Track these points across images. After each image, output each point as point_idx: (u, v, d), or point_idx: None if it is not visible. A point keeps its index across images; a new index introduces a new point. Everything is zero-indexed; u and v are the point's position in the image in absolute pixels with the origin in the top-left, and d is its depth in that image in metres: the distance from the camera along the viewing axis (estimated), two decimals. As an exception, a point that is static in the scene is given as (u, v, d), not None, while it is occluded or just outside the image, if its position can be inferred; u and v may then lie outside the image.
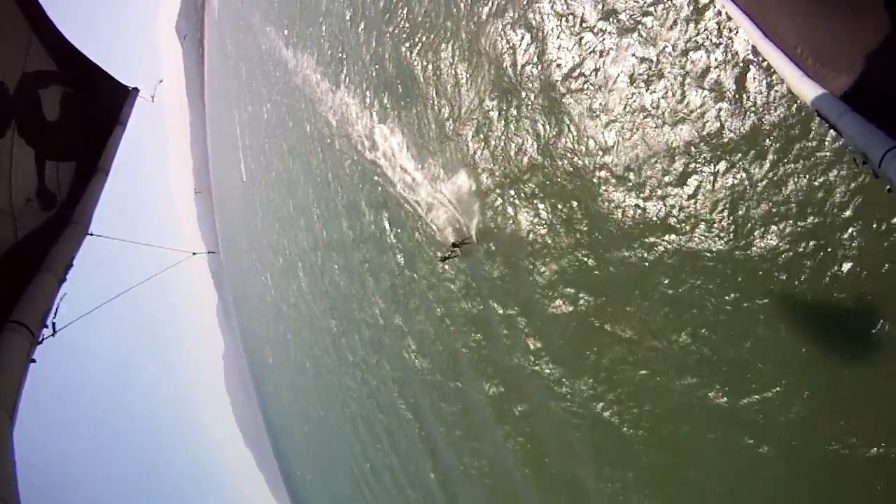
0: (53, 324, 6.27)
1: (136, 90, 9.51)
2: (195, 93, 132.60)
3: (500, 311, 23.65)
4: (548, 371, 21.28)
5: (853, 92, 5.58)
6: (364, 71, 35.01)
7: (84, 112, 8.39)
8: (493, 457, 27.55)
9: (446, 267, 27.64)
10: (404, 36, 29.04)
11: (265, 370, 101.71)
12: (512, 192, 21.74)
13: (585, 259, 18.92)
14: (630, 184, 16.90)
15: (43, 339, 6.20)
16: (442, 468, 33.66)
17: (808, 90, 5.96)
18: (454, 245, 25.52)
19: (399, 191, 31.90)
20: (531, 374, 22.07)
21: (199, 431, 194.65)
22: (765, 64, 13.09)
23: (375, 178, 35.03)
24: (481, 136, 23.30)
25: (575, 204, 18.98)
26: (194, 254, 14.10)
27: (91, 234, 7.04)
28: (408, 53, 28.60)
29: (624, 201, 17.13)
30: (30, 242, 6.46)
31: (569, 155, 18.96)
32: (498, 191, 22.67)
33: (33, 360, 5.93)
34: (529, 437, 23.83)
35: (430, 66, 26.96)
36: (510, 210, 21.93)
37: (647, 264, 16.72)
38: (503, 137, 21.91)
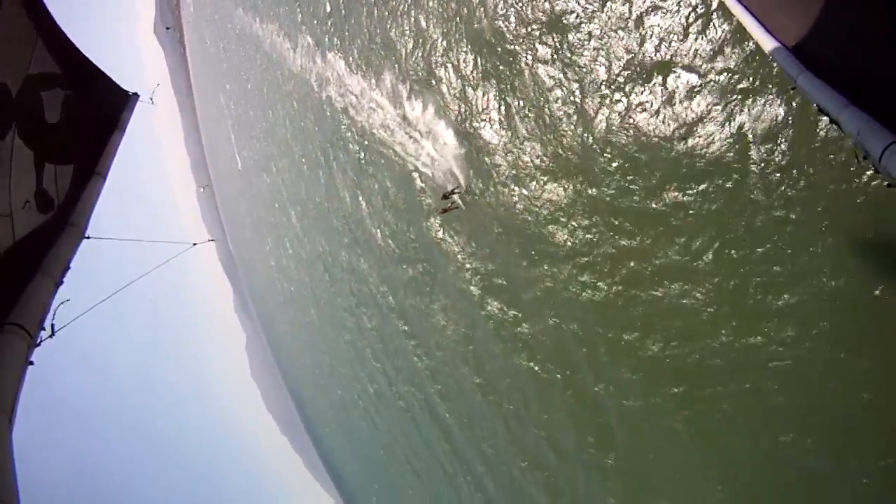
0: (52, 325, 6.28)
1: (136, 95, 9.52)
2: (183, 92, 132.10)
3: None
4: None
5: (854, 88, 5.51)
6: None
7: (84, 115, 8.41)
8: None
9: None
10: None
11: (288, 355, 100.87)
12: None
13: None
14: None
15: (41, 341, 6.21)
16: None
17: (811, 86, 5.93)
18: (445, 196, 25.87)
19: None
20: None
21: (232, 425, 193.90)
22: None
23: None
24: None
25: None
26: (195, 244, 14.13)
27: (88, 237, 7.05)
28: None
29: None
30: (27, 245, 6.46)
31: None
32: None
33: (31, 363, 5.95)
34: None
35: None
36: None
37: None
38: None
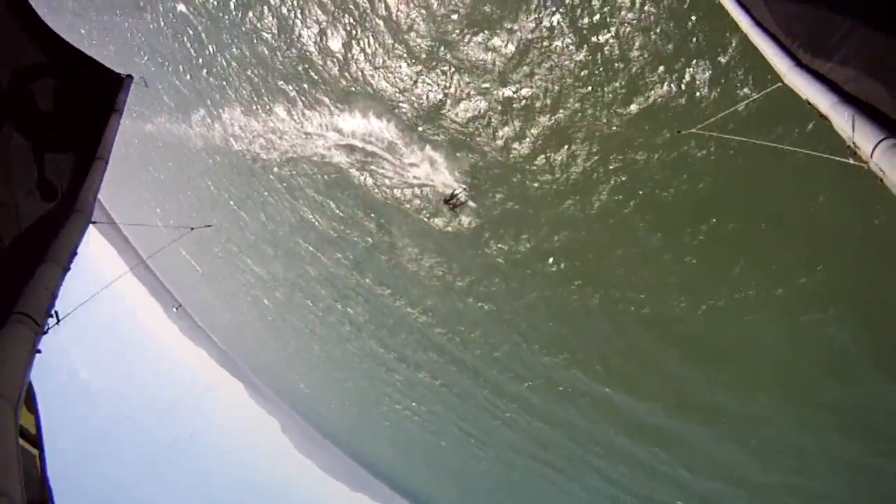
0: (56, 313, 6.24)
1: (129, 77, 9.41)
2: (110, 230, 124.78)
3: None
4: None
5: (844, 83, 5.60)
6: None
7: (78, 102, 8.26)
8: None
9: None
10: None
11: (330, 420, 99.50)
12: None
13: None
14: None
15: (48, 329, 6.17)
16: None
17: (800, 81, 6.00)
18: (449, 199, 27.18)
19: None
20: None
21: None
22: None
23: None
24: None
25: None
26: (192, 229, 14.06)
27: (94, 222, 6.96)
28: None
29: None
30: (33, 234, 6.42)
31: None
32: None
33: (39, 351, 5.92)
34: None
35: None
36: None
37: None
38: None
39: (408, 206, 31.06)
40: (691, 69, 16.11)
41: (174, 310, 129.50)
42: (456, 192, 26.64)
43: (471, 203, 26.55)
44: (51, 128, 7.45)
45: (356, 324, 48.98)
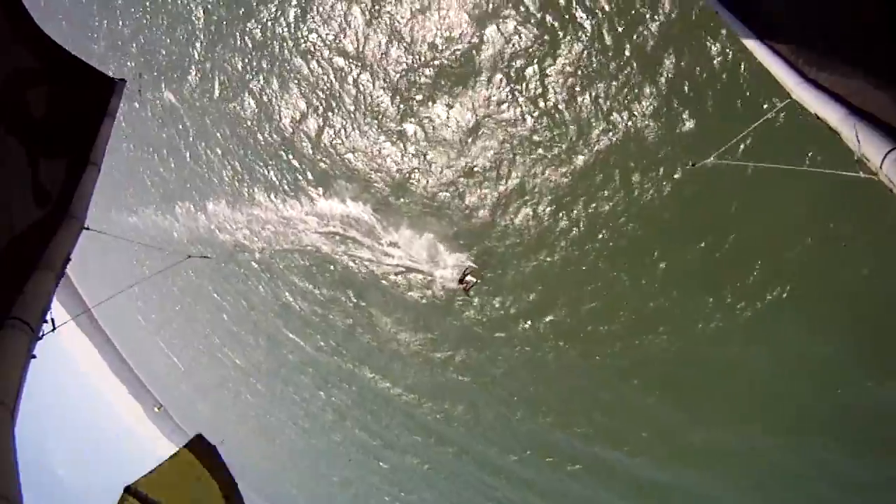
0: (52, 319, 6.37)
1: (122, 81, 9.62)
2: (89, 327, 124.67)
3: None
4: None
5: (852, 95, 5.70)
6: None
7: (71, 107, 8.47)
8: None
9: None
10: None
11: None
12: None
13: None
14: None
15: (43, 335, 6.29)
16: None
17: (807, 95, 6.08)
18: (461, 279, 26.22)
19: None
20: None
21: None
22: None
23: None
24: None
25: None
26: (189, 256, 14.12)
27: (87, 228, 7.16)
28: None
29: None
30: (26, 239, 6.55)
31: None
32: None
33: (34, 356, 6.03)
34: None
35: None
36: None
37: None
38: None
39: (384, 282, 31.48)
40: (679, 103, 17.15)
41: (155, 410, 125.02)
42: (467, 273, 25.76)
43: (440, 273, 27.02)
44: (44, 132, 7.62)
45: (340, 411, 48.13)
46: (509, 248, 23.27)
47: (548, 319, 24.23)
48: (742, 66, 15.70)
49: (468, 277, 25.66)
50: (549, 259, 22.20)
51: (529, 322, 24.98)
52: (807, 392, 18.49)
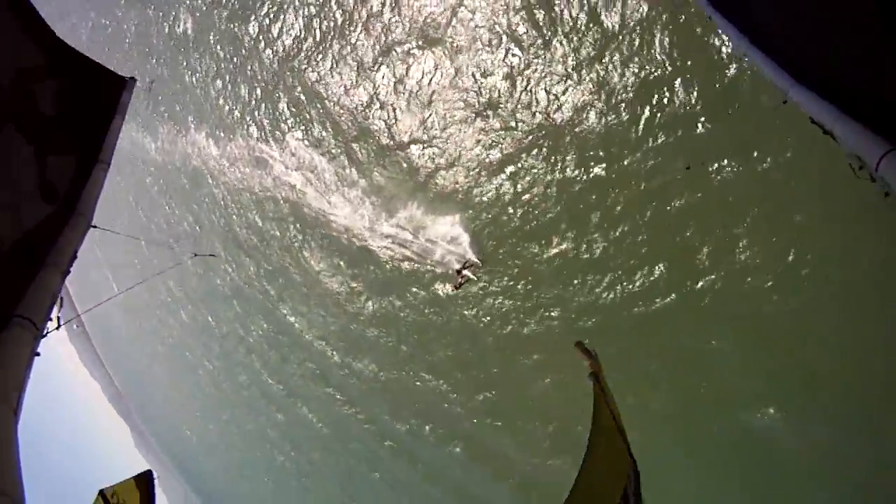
0: (58, 318, 6.36)
1: (132, 79, 9.59)
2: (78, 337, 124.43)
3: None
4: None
5: (846, 97, 5.60)
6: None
7: (81, 105, 8.39)
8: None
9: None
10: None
11: None
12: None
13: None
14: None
15: (47, 333, 6.27)
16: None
17: (801, 97, 5.98)
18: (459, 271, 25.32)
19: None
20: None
21: None
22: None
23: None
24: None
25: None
26: (195, 255, 14.11)
27: (94, 227, 7.14)
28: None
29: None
30: (33, 236, 6.48)
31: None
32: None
33: (38, 354, 6.01)
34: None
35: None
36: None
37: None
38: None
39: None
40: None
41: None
42: (466, 266, 24.84)
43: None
44: (53, 130, 7.58)
45: (254, 350, 47.37)
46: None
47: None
48: (736, 69, 15.71)
49: (465, 272, 24.71)
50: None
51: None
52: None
